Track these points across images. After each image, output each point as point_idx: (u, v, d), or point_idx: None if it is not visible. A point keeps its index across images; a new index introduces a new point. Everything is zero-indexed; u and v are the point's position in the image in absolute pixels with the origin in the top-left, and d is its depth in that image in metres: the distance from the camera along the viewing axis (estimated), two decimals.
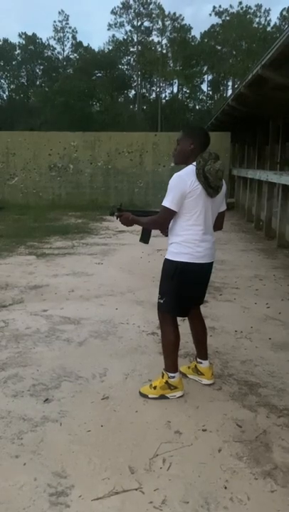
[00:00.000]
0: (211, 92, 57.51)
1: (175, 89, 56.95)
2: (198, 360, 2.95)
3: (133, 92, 55.37)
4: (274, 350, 3.52)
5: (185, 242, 2.60)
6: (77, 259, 6.65)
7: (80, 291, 5.00)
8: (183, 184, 2.51)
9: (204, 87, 56.97)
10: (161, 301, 2.71)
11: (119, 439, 2.33)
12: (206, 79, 56.19)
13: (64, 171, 13.66)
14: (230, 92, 48.10)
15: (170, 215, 2.58)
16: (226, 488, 1.98)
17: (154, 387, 2.73)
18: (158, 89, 55.92)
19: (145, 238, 2.99)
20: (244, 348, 3.53)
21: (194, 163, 2.55)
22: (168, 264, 2.68)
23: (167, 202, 2.54)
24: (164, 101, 54.18)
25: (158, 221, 2.67)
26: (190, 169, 2.55)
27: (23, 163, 13.67)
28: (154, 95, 56.49)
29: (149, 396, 2.71)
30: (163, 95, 56.12)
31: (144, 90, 56.28)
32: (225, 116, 13.25)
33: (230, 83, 53.28)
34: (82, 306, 4.47)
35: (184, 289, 2.66)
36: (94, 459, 2.16)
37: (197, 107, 57.07)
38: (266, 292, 5.09)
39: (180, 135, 2.68)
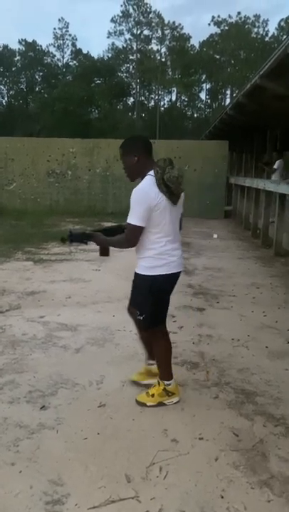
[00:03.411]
0: (209, 101, 57.90)
1: (174, 97, 57.36)
2: (151, 362, 2.94)
3: (132, 99, 55.60)
4: (271, 358, 3.53)
5: (158, 254, 2.55)
6: (75, 265, 6.65)
7: (77, 297, 4.99)
8: (147, 198, 2.43)
9: (203, 95, 57.40)
10: (141, 318, 2.66)
11: (115, 446, 2.32)
12: (204, 87, 56.60)
13: (62, 177, 13.68)
14: (228, 100, 48.50)
15: (139, 232, 2.49)
16: (222, 497, 1.97)
17: (152, 395, 2.73)
18: (157, 97, 56.22)
19: (105, 252, 2.86)
20: (241, 356, 3.53)
21: (150, 173, 2.48)
22: (142, 279, 2.60)
23: (134, 219, 2.44)
24: (162, 109, 54.45)
25: (128, 240, 2.55)
26: (150, 180, 2.47)
27: (21, 168, 13.69)
28: (152, 103, 56.78)
29: (148, 404, 2.71)
30: (161, 103, 56.48)
31: (142, 98, 56.54)
32: (223, 125, 13.35)
33: (228, 92, 53.67)
34: (79, 313, 4.46)
35: (161, 301, 2.67)
36: (90, 466, 2.15)
37: (195, 115, 57.43)
38: (263, 300, 5.10)
39: (120, 150, 2.62)
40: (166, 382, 2.73)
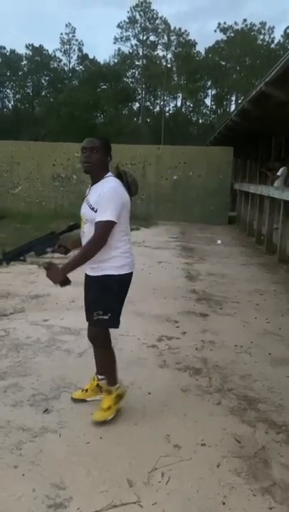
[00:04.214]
0: (214, 107, 58.03)
1: (179, 103, 57.55)
2: (100, 376, 2.83)
3: (137, 104, 55.86)
4: (273, 365, 3.53)
5: (124, 253, 2.55)
6: (78, 269, 6.66)
7: (80, 301, 4.92)
8: (120, 196, 2.45)
9: (208, 101, 57.54)
10: (107, 317, 2.55)
11: (117, 451, 2.33)
12: (209, 93, 56.77)
13: (67, 181, 13.75)
14: (233, 107, 48.62)
15: (112, 228, 2.44)
16: (224, 503, 1.98)
17: (109, 408, 2.62)
18: (162, 103, 56.44)
19: (67, 281, 2.56)
20: (244, 363, 3.53)
21: (110, 175, 2.53)
22: (111, 279, 2.52)
23: (111, 215, 2.39)
24: (167, 114, 54.65)
25: (103, 237, 2.43)
26: (117, 181, 2.51)
27: (26, 172, 13.77)
28: (157, 108, 56.98)
29: (108, 419, 2.58)
30: (167, 109, 56.68)
31: (148, 103, 56.75)
32: (228, 131, 13.39)
33: (233, 98, 53.79)
34: (83, 317, 4.41)
35: (123, 300, 2.64)
36: (92, 470, 2.16)
37: (200, 121, 57.58)
38: (266, 307, 5.10)
39: (96, 143, 2.49)
40: (114, 388, 2.69)
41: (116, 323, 2.62)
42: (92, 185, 2.56)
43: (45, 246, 2.68)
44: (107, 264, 2.52)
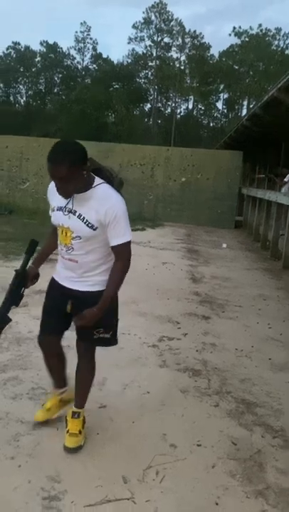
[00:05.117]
0: (225, 111, 58.02)
1: (190, 106, 57.58)
2: (61, 389, 2.57)
3: (149, 105, 56.00)
4: (273, 370, 3.53)
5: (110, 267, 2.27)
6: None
7: None
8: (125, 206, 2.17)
9: (219, 105, 57.58)
10: (108, 336, 2.35)
11: (114, 448, 2.35)
12: (221, 97, 56.79)
13: None
14: (244, 111, 48.55)
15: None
16: (217, 504, 1.99)
17: (80, 432, 2.34)
18: (173, 105, 56.51)
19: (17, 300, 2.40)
20: (244, 367, 3.54)
21: (100, 181, 2.13)
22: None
23: (129, 233, 2.15)
24: (178, 116, 54.72)
25: (129, 261, 2.20)
26: (112, 188, 2.16)
27: (35, 168, 13.83)
28: (169, 110, 57.07)
29: (82, 443, 2.32)
30: (178, 110, 56.77)
31: (159, 104, 56.82)
32: (238, 135, 13.38)
33: (245, 103, 53.72)
34: None
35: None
36: (88, 466, 2.18)
37: (211, 124, 57.58)
38: (269, 312, 5.10)
39: (62, 170, 1.97)
40: (84, 410, 2.43)
41: (116, 341, 2.43)
42: (75, 193, 2.11)
43: (19, 292, 2.44)
44: (103, 277, 2.25)
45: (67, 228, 2.17)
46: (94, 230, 2.11)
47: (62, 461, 2.20)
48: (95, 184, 2.11)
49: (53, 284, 2.47)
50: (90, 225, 2.10)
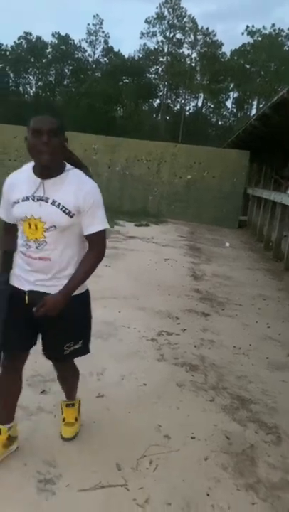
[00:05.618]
0: (235, 109, 57.80)
1: (200, 103, 57.37)
2: (9, 425, 2.16)
3: (158, 101, 55.78)
4: (270, 369, 3.57)
5: None
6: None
7: None
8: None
9: (229, 103, 57.32)
10: (80, 346, 2.15)
11: (109, 436, 2.39)
12: (231, 96, 56.53)
13: None
14: (254, 111, 48.35)
15: None
16: (208, 495, 2.03)
17: (76, 419, 2.37)
18: (183, 101, 56.31)
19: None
20: (241, 364, 3.58)
21: (71, 166, 1.97)
22: (86, 297, 2.15)
23: (106, 222, 1.99)
24: (187, 113, 54.53)
25: (103, 252, 2.05)
26: (87, 176, 2.00)
27: None
28: (178, 107, 56.87)
29: (78, 430, 2.37)
30: (187, 107, 56.51)
31: (169, 101, 56.64)
32: (246, 135, 13.36)
33: (255, 102, 53.50)
34: None
35: None
36: (84, 452, 2.23)
37: (220, 123, 57.37)
38: (268, 312, 5.13)
39: (55, 123, 1.84)
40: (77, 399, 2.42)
41: (88, 350, 2.22)
42: (44, 178, 1.89)
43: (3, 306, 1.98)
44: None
45: (38, 219, 1.89)
46: (71, 217, 1.89)
47: (59, 447, 2.25)
48: (67, 168, 1.94)
49: (13, 292, 2.01)
50: (66, 212, 1.88)
